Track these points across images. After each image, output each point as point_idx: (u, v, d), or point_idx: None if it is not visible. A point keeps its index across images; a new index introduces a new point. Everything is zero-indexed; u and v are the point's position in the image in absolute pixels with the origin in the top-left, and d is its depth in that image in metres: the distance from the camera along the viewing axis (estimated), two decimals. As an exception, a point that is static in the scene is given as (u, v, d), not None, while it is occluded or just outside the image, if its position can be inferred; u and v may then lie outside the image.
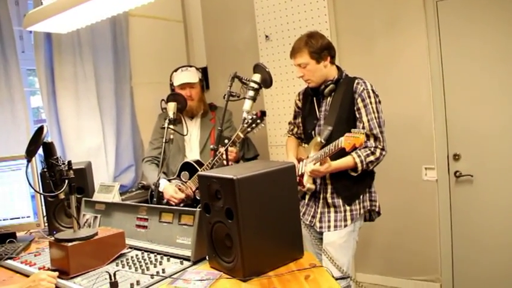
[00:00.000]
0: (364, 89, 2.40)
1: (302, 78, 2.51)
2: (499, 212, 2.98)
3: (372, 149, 2.38)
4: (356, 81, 2.45)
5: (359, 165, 2.35)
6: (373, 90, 2.42)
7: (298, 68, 2.49)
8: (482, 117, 2.99)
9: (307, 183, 2.47)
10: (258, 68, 2.59)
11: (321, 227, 2.53)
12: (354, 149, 2.21)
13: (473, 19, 2.95)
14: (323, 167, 2.32)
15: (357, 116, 2.41)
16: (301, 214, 2.63)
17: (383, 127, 2.42)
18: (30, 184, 1.73)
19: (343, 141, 2.18)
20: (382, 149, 2.40)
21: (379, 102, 2.44)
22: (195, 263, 1.77)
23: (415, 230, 3.29)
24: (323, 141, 2.40)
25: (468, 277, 3.13)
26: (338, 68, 2.55)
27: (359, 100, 2.40)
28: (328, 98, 2.52)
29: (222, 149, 2.54)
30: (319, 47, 2.41)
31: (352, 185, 2.46)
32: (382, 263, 3.49)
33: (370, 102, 2.39)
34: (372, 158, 2.37)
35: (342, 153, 2.33)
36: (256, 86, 2.55)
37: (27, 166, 1.72)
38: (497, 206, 2.99)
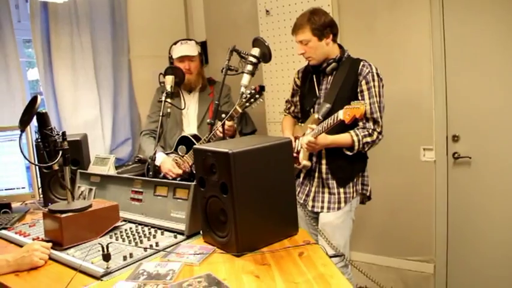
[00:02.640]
0: (369, 71, 2.37)
1: (303, 55, 2.47)
2: (496, 194, 2.97)
3: (370, 130, 2.37)
4: (362, 63, 2.42)
5: (356, 143, 2.33)
6: (377, 74, 2.39)
7: (299, 44, 2.45)
8: (483, 99, 2.96)
9: (303, 160, 2.45)
10: (257, 42, 2.55)
11: (313, 206, 2.53)
12: (355, 120, 2.19)
13: (478, -2, 2.90)
14: (319, 138, 2.28)
15: (359, 97, 2.38)
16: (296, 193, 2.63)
17: (383, 112, 2.41)
18: (23, 155, 1.70)
19: (342, 114, 2.16)
20: (379, 133, 2.39)
21: (382, 86, 2.42)
22: (188, 237, 1.78)
23: (411, 210, 3.29)
24: (321, 117, 2.38)
25: (462, 259, 3.15)
26: (340, 46, 2.51)
27: (363, 82, 2.37)
28: (329, 77, 2.49)
29: (219, 123, 2.52)
30: (321, 24, 2.37)
31: (346, 166, 2.45)
32: (377, 242, 3.51)
33: (374, 86, 2.37)
34: (368, 139, 2.35)
35: (340, 130, 2.32)
36: (255, 60, 2.51)
37: (20, 136, 1.70)
38: (494, 189, 2.98)
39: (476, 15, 2.91)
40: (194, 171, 2.71)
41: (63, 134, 1.77)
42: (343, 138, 2.35)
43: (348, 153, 2.38)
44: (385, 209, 3.38)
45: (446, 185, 3.16)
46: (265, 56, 2.53)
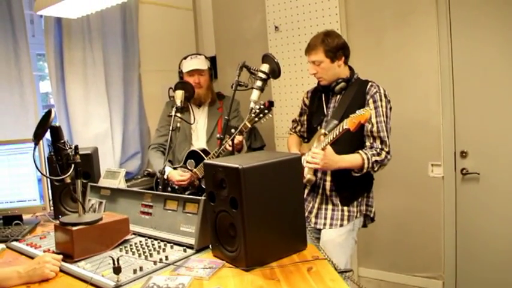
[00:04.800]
0: (377, 91, 2.39)
1: (315, 75, 2.50)
2: (505, 210, 2.96)
3: (378, 150, 2.36)
4: (370, 83, 2.44)
5: (366, 161, 2.29)
6: (385, 95, 2.41)
7: (311, 64, 2.47)
8: (491, 115, 2.96)
9: (308, 174, 2.45)
10: (266, 58, 2.58)
11: (315, 223, 2.52)
12: (360, 126, 2.16)
13: (485, 13, 2.91)
14: (327, 150, 2.23)
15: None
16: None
17: (389, 133, 2.40)
18: (37, 167, 1.73)
19: (347, 122, 2.13)
20: (387, 153, 2.38)
21: (390, 109, 2.43)
22: (198, 251, 1.78)
23: (420, 226, 3.28)
24: (327, 132, 2.38)
25: (471, 276, 3.12)
26: (350, 68, 2.54)
27: (370, 101, 2.39)
28: (338, 96, 2.51)
29: (228, 139, 2.54)
30: (334, 46, 2.40)
31: (352, 185, 2.44)
32: (385, 258, 3.49)
33: (381, 106, 2.38)
34: (377, 158, 2.33)
35: (350, 150, 2.33)
36: (264, 76, 2.54)
37: (34, 149, 1.73)
38: (503, 205, 2.96)
39: (483, 32, 2.93)
40: (203, 186, 2.74)
41: (76, 147, 1.79)
42: (353, 157, 2.32)
43: (357, 174, 2.36)
44: (393, 224, 3.36)
45: (454, 201, 3.15)
46: (275, 72, 2.56)
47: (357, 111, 2.15)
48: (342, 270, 1.68)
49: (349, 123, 2.13)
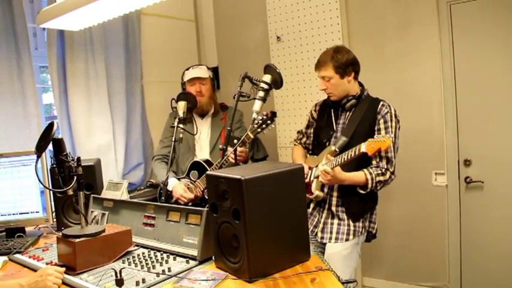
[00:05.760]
0: (388, 112, 2.40)
1: (325, 91, 2.50)
2: (509, 219, 2.94)
3: (383, 170, 2.37)
4: (381, 103, 2.45)
5: (369, 181, 2.32)
6: (396, 115, 2.42)
7: (321, 80, 2.48)
8: (494, 122, 2.96)
9: (316, 190, 2.45)
10: (268, 68, 2.59)
11: (322, 238, 2.51)
12: (380, 156, 2.22)
13: (486, 23, 2.92)
14: (336, 170, 2.27)
15: (376, 135, 2.39)
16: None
17: (396, 153, 2.41)
18: (39, 179, 1.74)
19: (365, 146, 2.14)
20: (392, 173, 2.39)
21: (399, 128, 2.44)
22: (201, 262, 1.77)
23: (424, 235, 3.26)
24: (337, 150, 2.38)
25: (476, 285, 3.10)
26: (360, 84, 2.54)
27: (381, 121, 2.39)
28: (348, 113, 2.51)
29: (231, 149, 2.54)
30: (344, 62, 2.40)
31: (359, 201, 2.44)
32: (390, 268, 3.47)
33: (391, 126, 2.39)
34: (381, 178, 2.35)
35: (356, 166, 2.34)
36: (266, 86, 2.54)
37: (36, 161, 1.74)
38: (507, 213, 2.95)
39: (485, 40, 2.93)
40: (206, 197, 2.73)
41: (78, 159, 1.80)
42: (357, 176, 2.35)
43: (361, 192, 2.38)
44: (397, 234, 3.35)
45: (458, 210, 3.13)
46: (277, 83, 2.56)
47: (375, 137, 2.17)
48: (346, 281, 1.67)
49: (368, 148, 2.14)
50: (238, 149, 2.57)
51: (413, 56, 3.18)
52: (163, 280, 1.61)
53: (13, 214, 2.41)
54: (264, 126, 2.50)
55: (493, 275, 3.02)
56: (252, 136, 2.53)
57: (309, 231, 2.56)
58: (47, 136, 1.73)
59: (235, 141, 2.54)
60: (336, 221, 2.49)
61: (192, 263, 1.77)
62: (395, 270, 3.44)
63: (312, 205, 2.59)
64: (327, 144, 2.53)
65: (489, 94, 2.96)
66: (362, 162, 2.36)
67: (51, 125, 1.74)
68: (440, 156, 3.14)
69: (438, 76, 3.10)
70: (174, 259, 1.81)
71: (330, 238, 2.48)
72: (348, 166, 2.31)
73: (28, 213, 2.44)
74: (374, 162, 2.40)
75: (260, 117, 2.49)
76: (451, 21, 3.03)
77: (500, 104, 2.93)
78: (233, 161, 2.56)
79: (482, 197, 3.05)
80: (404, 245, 3.37)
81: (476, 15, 2.95)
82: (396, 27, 3.23)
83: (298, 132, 2.88)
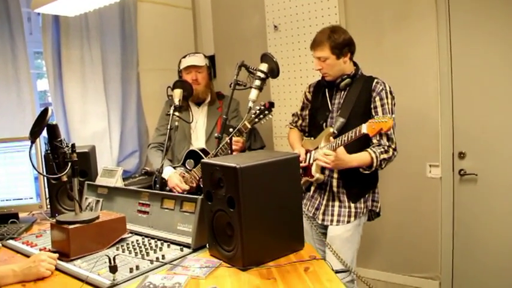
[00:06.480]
0: (383, 88, 2.40)
1: (320, 71, 2.49)
2: (502, 212, 2.96)
3: (386, 147, 2.36)
4: (375, 80, 2.44)
5: (374, 160, 2.31)
6: (390, 92, 2.41)
7: (317, 60, 2.46)
8: (490, 116, 2.96)
9: (316, 173, 2.44)
10: (265, 57, 2.58)
11: (323, 220, 2.52)
12: (380, 134, 2.19)
13: (484, 15, 2.91)
14: (338, 152, 2.24)
15: (373, 113, 2.39)
16: (305, 206, 2.63)
17: (395, 128, 2.40)
18: (33, 166, 1.73)
19: (366, 127, 2.13)
20: (394, 149, 2.39)
21: (394, 104, 2.43)
22: (195, 250, 1.78)
23: (417, 227, 3.28)
24: (335, 131, 2.38)
25: (468, 276, 3.12)
26: (355, 63, 2.53)
27: (377, 98, 2.39)
28: (343, 92, 2.50)
29: (227, 138, 2.53)
30: (340, 43, 2.38)
31: (359, 181, 2.45)
32: (382, 258, 3.49)
33: (387, 103, 2.38)
34: (385, 155, 2.34)
35: (358, 147, 2.33)
36: (263, 75, 2.54)
37: (30, 147, 1.72)
38: (500, 206, 2.97)
39: (483, 31, 2.93)
40: (202, 185, 2.72)
41: (73, 145, 1.78)
42: (363, 156, 2.32)
43: (366, 172, 2.37)
44: (390, 225, 3.36)
45: (452, 202, 3.15)
46: (274, 72, 2.55)
47: (375, 117, 2.15)
48: (339, 270, 1.68)
49: (369, 130, 2.12)
50: (235, 138, 2.57)
51: (411, 47, 3.17)
52: (157, 267, 1.61)
53: (7, 200, 2.41)
54: (261, 116, 2.49)
55: (484, 267, 3.05)
56: (249, 126, 2.52)
57: (311, 213, 2.58)
58: (41, 122, 1.72)
59: (231, 129, 2.53)
60: (336, 203, 2.50)
61: (186, 250, 1.77)
62: (388, 261, 3.46)
63: (312, 188, 2.60)
64: (324, 125, 2.53)
65: (485, 87, 2.96)
66: (362, 142, 2.35)
67: (45, 111, 1.73)
68: (434, 148, 3.15)
69: (435, 68, 3.09)
70: (168, 246, 1.81)
71: (332, 221, 2.49)
72: (349, 148, 2.29)
73: (22, 199, 2.43)
74: (375, 140, 2.38)
75: (258, 107, 2.48)
76: (449, 14, 3.02)
77: (497, 97, 2.93)
78: (229, 150, 2.56)
79: (476, 190, 3.06)
80: (397, 236, 3.39)
81: (474, 8, 2.94)
82: (394, 18, 3.21)
83: (293, 115, 2.87)
